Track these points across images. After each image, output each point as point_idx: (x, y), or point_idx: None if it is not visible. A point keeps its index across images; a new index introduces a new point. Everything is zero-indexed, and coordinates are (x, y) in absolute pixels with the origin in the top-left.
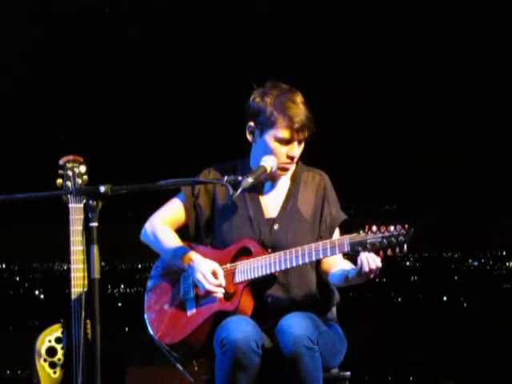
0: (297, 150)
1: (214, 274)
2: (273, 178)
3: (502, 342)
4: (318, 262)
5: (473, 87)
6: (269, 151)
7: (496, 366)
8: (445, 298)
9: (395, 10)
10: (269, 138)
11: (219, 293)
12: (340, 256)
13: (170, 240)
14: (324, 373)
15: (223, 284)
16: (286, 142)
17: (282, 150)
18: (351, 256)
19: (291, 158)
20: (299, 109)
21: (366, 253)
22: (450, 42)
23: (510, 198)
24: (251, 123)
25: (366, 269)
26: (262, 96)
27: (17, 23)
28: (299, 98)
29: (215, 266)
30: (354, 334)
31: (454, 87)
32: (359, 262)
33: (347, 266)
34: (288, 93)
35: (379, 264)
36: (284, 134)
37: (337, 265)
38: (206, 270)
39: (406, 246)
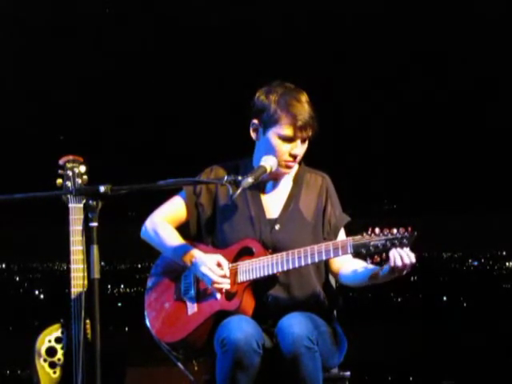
0: (299, 148)
1: (219, 266)
2: (275, 177)
3: (501, 342)
4: (326, 263)
5: (473, 86)
6: (271, 149)
7: (496, 366)
8: (445, 298)
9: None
10: (272, 135)
11: (225, 284)
12: (349, 255)
13: (171, 238)
14: (324, 373)
15: (228, 275)
16: (289, 139)
17: (285, 148)
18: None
19: (294, 157)
20: (303, 107)
21: (399, 248)
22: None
23: (510, 197)
24: (255, 121)
25: (399, 263)
26: (266, 94)
27: (15, 20)
28: (304, 97)
29: (219, 257)
30: (354, 334)
31: (454, 86)
32: (391, 257)
33: (360, 264)
34: (293, 91)
35: (413, 260)
36: (287, 131)
37: (347, 264)
38: (211, 262)
39: (409, 248)
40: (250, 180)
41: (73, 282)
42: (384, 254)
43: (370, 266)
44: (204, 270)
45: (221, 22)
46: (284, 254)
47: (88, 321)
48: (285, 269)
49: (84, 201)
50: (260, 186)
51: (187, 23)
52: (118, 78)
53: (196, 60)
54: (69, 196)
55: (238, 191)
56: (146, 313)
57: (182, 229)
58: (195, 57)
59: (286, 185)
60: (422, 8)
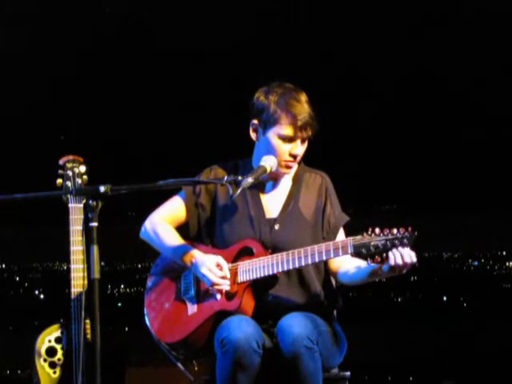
0: (299, 148)
1: (219, 267)
2: (275, 177)
3: (501, 342)
4: (325, 262)
5: (472, 86)
6: (271, 149)
7: (496, 366)
8: (445, 298)
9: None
10: (272, 135)
11: (225, 285)
12: (348, 255)
13: (171, 238)
14: (324, 373)
15: (228, 276)
16: (289, 139)
17: (285, 148)
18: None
19: (294, 156)
20: (303, 107)
21: (400, 247)
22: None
23: (510, 197)
24: (255, 121)
25: (400, 262)
26: (265, 94)
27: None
28: (303, 97)
29: (219, 258)
30: (354, 334)
31: (454, 84)
32: (391, 256)
33: (358, 263)
34: (292, 91)
35: (414, 259)
36: (287, 131)
37: (345, 263)
38: (211, 263)
39: (409, 248)
40: (249, 180)
41: (73, 282)
42: (384, 254)
43: (362, 264)
44: (204, 270)
45: (220, 21)
46: (284, 254)
47: (88, 321)
48: (285, 269)
49: (84, 201)
50: (259, 186)
51: (187, 23)
52: (119, 78)
53: (196, 60)
54: (69, 196)
55: (238, 191)
56: (145, 313)
57: (182, 229)
58: (195, 57)
59: (285, 184)
60: (421, 8)
